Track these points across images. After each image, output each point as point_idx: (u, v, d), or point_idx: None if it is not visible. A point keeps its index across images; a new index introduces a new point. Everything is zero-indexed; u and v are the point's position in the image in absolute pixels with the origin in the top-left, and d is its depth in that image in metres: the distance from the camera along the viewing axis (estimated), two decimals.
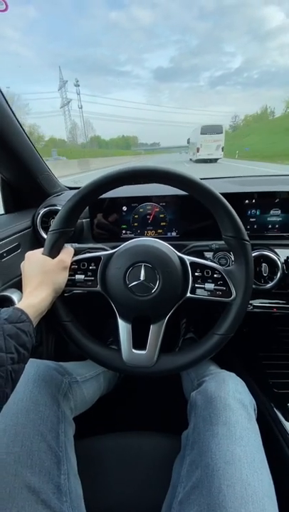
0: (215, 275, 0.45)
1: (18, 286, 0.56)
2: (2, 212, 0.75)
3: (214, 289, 0.45)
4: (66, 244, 0.48)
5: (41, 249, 0.45)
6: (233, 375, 0.52)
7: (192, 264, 0.46)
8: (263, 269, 0.63)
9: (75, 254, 0.48)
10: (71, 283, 0.46)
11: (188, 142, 22.90)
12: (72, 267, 0.47)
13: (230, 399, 0.44)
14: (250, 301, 0.67)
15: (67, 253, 0.46)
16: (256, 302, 0.67)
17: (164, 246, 0.47)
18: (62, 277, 0.44)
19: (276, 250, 0.64)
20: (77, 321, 0.48)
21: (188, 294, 0.45)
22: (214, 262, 0.48)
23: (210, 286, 0.45)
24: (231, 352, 0.77)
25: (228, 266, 0.61)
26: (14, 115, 0.57)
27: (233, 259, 0.46)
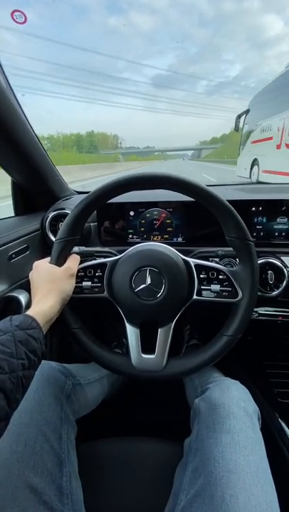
0: (220, 276, 0.45)
1: (26, 287, 0.57)
2: (12, 214, 0.77)
3: (220, 290, 0.45)
4: (74, 248, 0.49)
5: (48, 258, 0.46)
6: (237, 382, 0.51)
7: (197, 266, 0.46)
8: (269, 276, 0.62)
9: (82, 260, 0.49)
10: (78, 290, 0.47)
11: (236, 128, 5.64)
12: (79, 274, 0.48)
13: (234, 407, 0.44)
14: (256, 309, 0.67)
15: (73, 261, 0.47)
16: (261, 310, 0.67)
17: (168, 249, 0.47)
18: (70, 285, 0.45)
19: (282, 258, 0.64)
20: (85, 327, 0.49)
21: (195, 297, 0.46)
22: (219, 264, 0.48)
23: (216, 287, 0.45)
24: (235, 360, 0.76)
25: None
26: (28, 121, 0.59)
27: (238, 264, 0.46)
